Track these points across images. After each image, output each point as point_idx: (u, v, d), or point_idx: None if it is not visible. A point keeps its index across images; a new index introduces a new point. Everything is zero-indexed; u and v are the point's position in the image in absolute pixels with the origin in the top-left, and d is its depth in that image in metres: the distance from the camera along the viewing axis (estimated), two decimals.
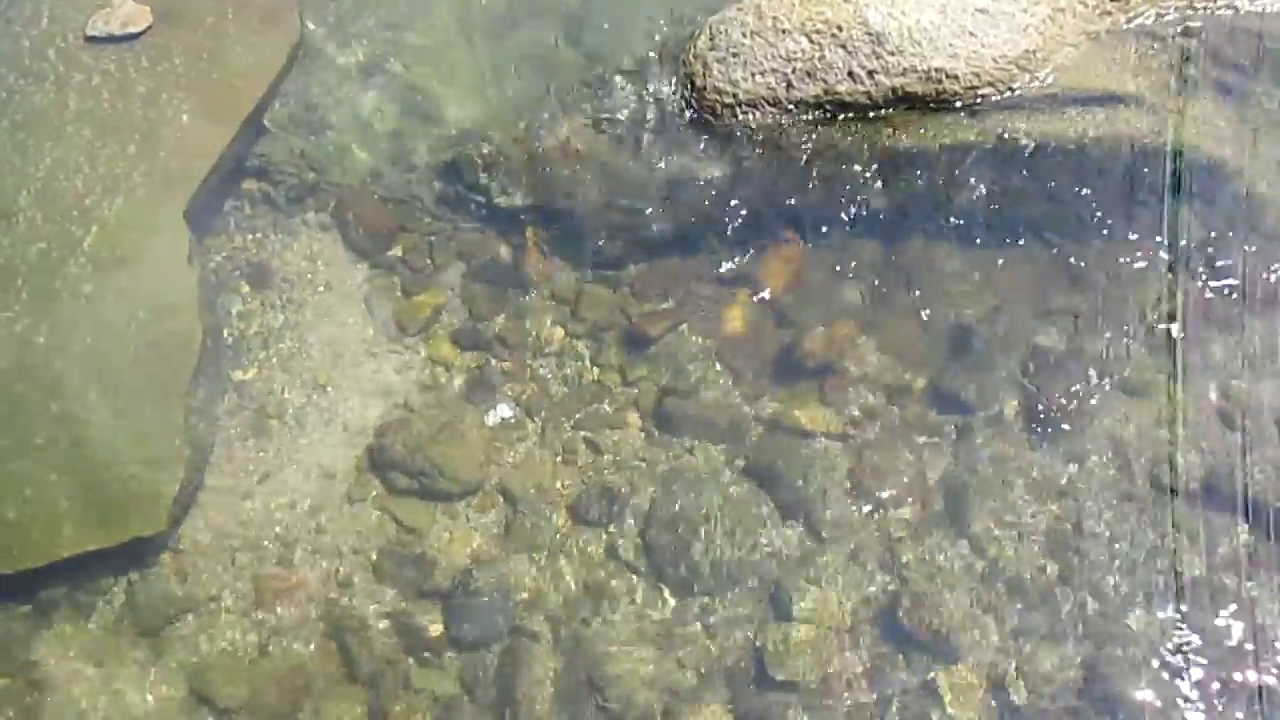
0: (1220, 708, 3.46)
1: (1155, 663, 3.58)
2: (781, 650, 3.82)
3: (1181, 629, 3.61)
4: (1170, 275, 4.07)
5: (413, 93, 4.75)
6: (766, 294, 4.41)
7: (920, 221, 4.34)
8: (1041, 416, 4.07)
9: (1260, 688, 3.47)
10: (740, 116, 4.40)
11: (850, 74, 4.25)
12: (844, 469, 4.11)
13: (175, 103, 4.47)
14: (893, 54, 4.20)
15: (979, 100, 4.23)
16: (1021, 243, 4.29)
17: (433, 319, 4.57)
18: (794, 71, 4.31)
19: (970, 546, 3.94)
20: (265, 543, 4.15)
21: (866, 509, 4.05)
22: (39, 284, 4.13)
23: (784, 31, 4.33)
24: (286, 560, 4.12)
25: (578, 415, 4.34)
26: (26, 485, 3.89)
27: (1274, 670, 3.49)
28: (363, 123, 4.73)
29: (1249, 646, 3.53)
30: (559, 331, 4.51)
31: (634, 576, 4.05)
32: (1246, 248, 4.01)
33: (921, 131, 4.27)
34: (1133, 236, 4.16)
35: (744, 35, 4.38)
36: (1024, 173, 4.24)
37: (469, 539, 4.16)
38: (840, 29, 4.25)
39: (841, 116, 4.34)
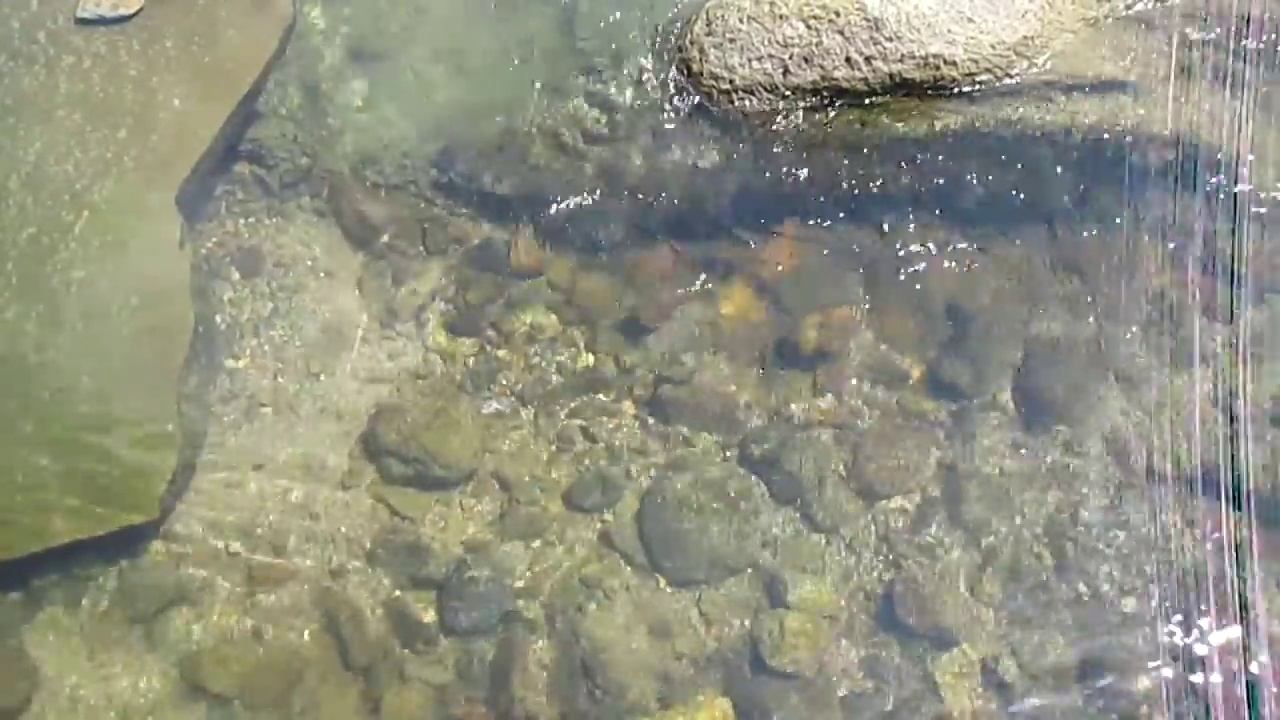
0: (1214, 695, 3.47)
1: (1150, 651, 3.59)
2: (777, 639, 3.82)
3: (1176, 617, 3.61)
4: (1168, 263, 4.07)
5: (407, 78, 4.70)
6: (763, 281, 4.39)
7: (917, 209, 4.33)
8: (1038, 405, 4.07)
9: (1252, 677, 3.48)
10: (737, 103, 4.38)
11: (848, 60, 4.22)
12: (840, 457, 4.10)
13: (167, 86, 4.42)
14: (890, 40, 4.17)
15: (977, 87, 4.21)
16: (1018, 230, 4.27)
17: (426, 306, 4.54)
18: (791, 57, 4.28)
19: (966, 535, 3.94)
20: (258, 530, 4.13)
21: (863, 497, 4.04)
22: (29, 270, 4.09)
23: (781, 17, 4.30)
24: (279, 548, 4.10)
25: (573, 403, 4.32)
26: (17, 473, 3.86)
27: (1266, 658, 3.49)
28: (356, 107, 4.69)
29: (1242, 636, 3.54)
30: (553, 319, 4.48)
31: (629, 565, 4.05)
32: (1245, 236, 4.01)
33: (919, 118, 4.25)
34: (1130, 224, 4.15)
35: (741, 21, 4.35)
36: (1021, 160, 4.23)
37: (464, 527, 4.14)
38: (838, 14, 4.22)
39: (839, 103, 4.32)
